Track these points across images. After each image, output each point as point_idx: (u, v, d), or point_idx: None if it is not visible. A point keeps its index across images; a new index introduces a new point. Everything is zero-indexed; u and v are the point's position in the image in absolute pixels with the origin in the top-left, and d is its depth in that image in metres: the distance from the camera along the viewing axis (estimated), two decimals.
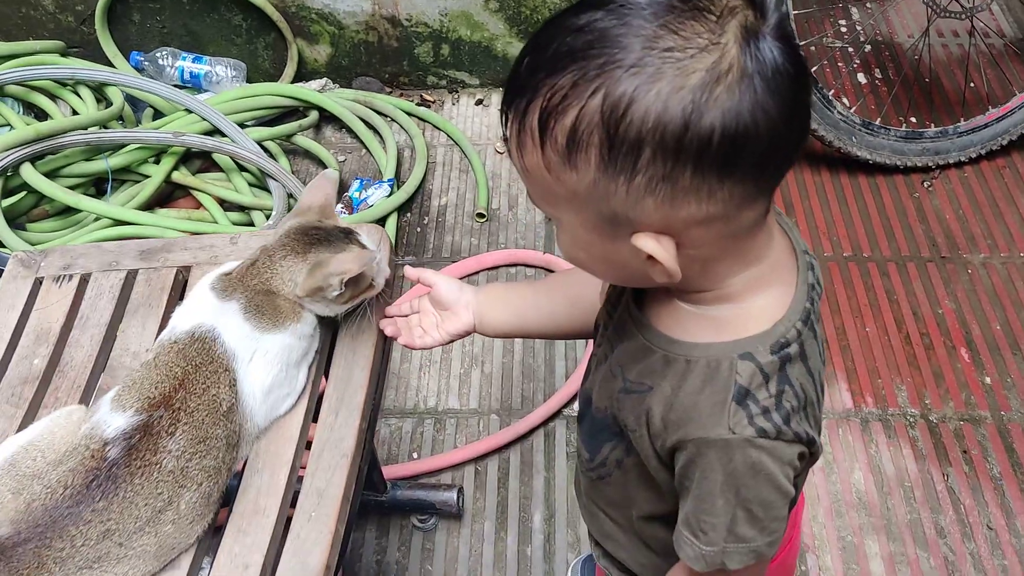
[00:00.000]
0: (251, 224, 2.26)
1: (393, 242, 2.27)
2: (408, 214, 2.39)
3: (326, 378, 1.17)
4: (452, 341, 1.13)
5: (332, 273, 1.06)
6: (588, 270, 0.80)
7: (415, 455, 1.88)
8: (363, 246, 1.11)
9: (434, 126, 2.61)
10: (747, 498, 0.77)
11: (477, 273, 2.21)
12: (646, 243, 0.69)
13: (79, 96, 2.38)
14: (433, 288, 1.12)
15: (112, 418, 0.99)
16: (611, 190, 0.67)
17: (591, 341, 1.00)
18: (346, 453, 1.07)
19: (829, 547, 1.69)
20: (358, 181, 2.40)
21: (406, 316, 1.17)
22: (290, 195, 2.23)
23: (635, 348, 0.83)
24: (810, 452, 0.79)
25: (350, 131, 2.57)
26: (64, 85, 2.39)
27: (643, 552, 1.02)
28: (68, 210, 2.23)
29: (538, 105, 0.67)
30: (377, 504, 1.74)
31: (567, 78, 0.65)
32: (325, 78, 2.69)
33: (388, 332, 1.15)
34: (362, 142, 2.54)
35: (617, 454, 0.93)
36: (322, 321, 1.17)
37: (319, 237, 1.10)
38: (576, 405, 1.84)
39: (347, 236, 1.11)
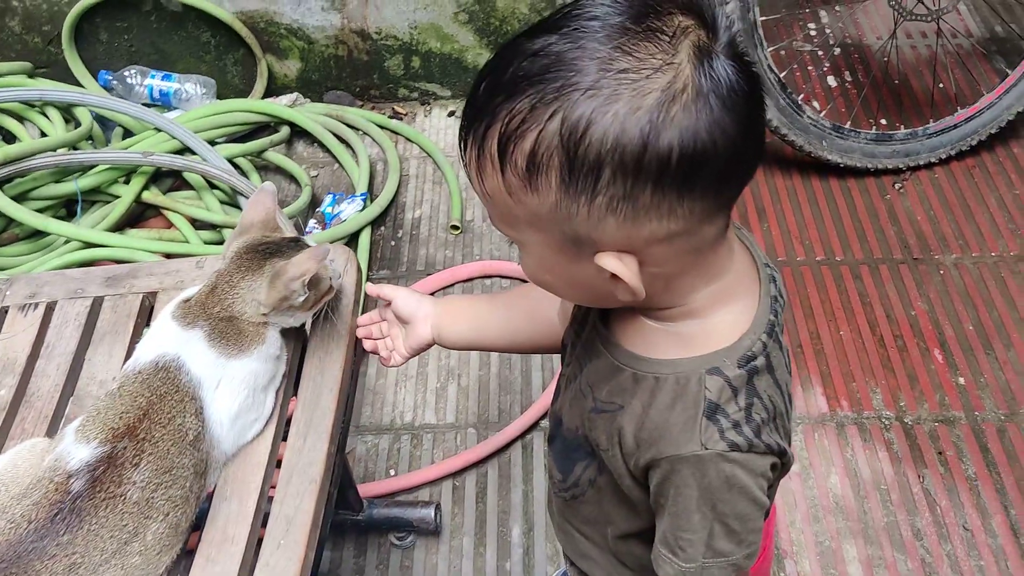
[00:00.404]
0: (222, 242, 2.25)
1: (368, 256, 2.27)
2: (382, 228, 2.39)
3: (295, 399, 1.17)
4: (415, 355, 1.13)
5: (292, 277, 1.05)
6: (554, 291, 0.81)
7: (392, 472, 1.87)
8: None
9: (406, 138, 2.61)
10: (723, 512, 0.77)
11: (452, 285, 2.21)
12: (609, 262, 0.70)
13: (47, 117, 2.36)
14: (392, 302, 1.12)
15: (76, 450, 0.98)
16: (573, 211, 0.68)
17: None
18: (314, 478, 1.06)
19: (807, 552, 1.70)
20: (331, 196, 2.40)
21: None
22: None
23: (604, 367, 0.83)
24: (782, 463, 0.80)
25: (322, 145, 2.56)
26: (32, 107, 2.37)
27: (620, 570, 1.01)
28: (38, 233, 2.21)
29: (497, 130, 0.67)
30: (354, 523, 1.73)
31: (525, 102, 0.65)
32: (296, 93, 2.68)
33: (367, 348, 1.15)
34: (334, 156, 2.53)
35: (590, 473, 0.93)
36: (288, 339, 1.16)
37: (270, 250, 1.09)
38: None
39: (296, 244, 1.11)
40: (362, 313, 1.20)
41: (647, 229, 0.68)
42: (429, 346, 1.12)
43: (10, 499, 0.97)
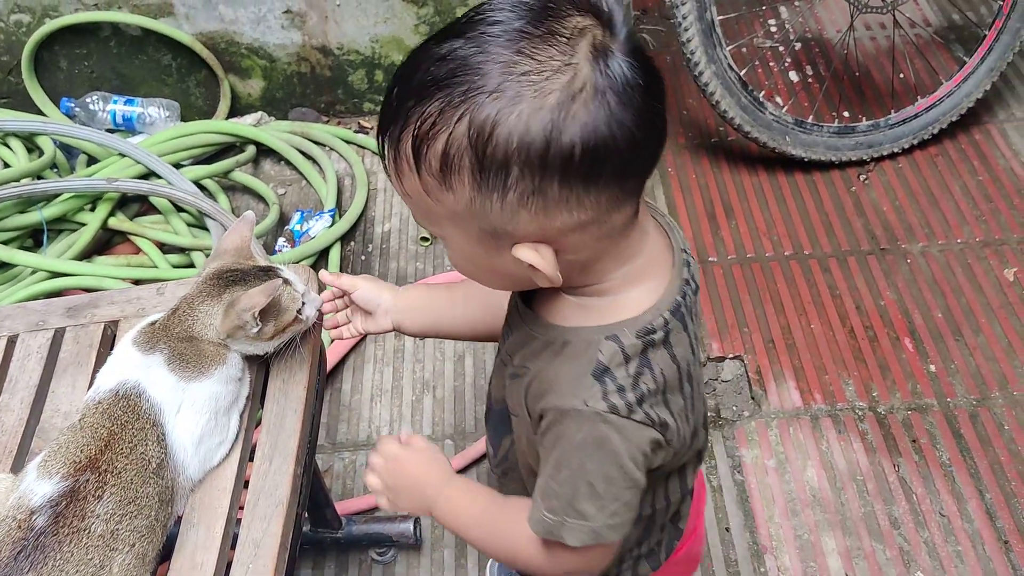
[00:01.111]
0: (192, 266, 2.24)
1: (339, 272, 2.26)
2: (352, 243, 2.38)
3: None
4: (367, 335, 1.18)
5: (243, 308, 1.06)
6: (479, 281, 0.85)
7: None
8: (284, 279, 1.10)
9: (373, 152, 2.61)
10: (590, 471, 0.81)
11: None
12: (525, 254, 0.74)
13: (9, 148, 2.35)
14: (355, 292, 1.14)
15: (38, 485, 0.98)
16: (487, 207, 0.72)
17: None
18: (281, 501, 1.06)
19: (786, 547, 1.70)
20: (299, 213, 2.39)
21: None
22: None
23: (520, 336, 0.88)
24: (666, 440, 0.82)
25: (288, 163, 2.56)
26: None
27: None
28: (3, 265, 2.19)
29: (410, 133, 0.71)
30: (333, 541, 1.73)
31: (434, 106, 0.69)
32: (260, 112, 2.68)
33: (327, 325, 1.19)
34: (301, 173, 2.53)
35: (513, 445, 0.97)
36: (252, 362, 1.16)
37: (235, 278, 1.10)
38: None
39: (266, 273, 1.11)
40: None
41: (559, 220, 0.72)
42: (385, 332, 1.16)
43: None
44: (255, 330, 1.08)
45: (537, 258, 0.74)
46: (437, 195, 0.73)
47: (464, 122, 0.68)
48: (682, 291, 0.83)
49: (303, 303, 1.13)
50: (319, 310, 1.16)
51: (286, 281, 1.12)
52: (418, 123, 0.70)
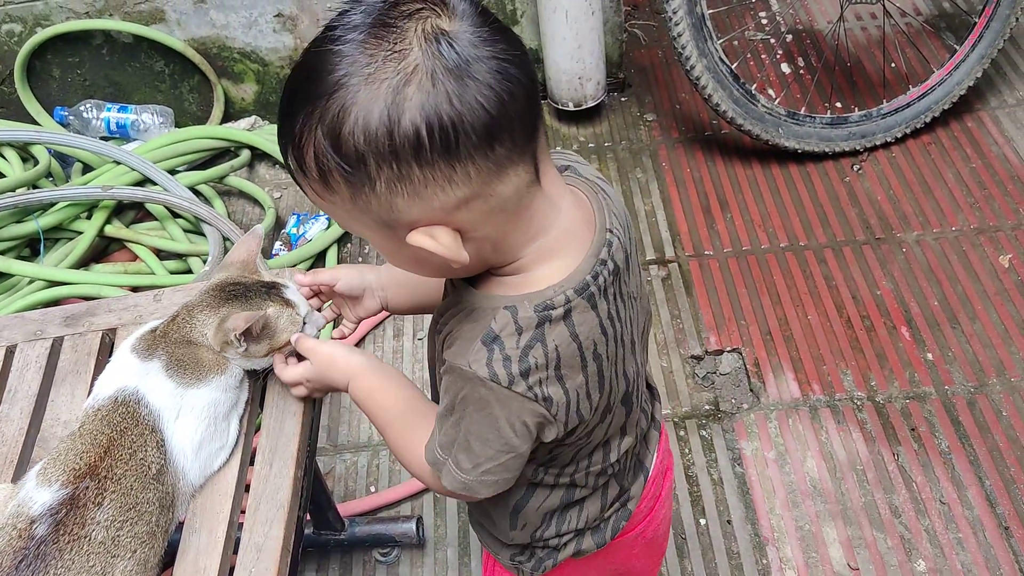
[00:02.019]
0: (189, 271, 2.25)
1: None
2: (348, 244, 2.39)
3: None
4: (361, 321, 1.19)
5: (228, 329, 1.06)
6: (411, 271, 0.86)
7: (372, 488, 1.87)
8: (285, 300, 1.10)
9: None
10: (468, 429, 0.84)
11: None
12: (417, 238, 0.75)
13: (4, 158, 2.35)
14: (336, 284, 1.15)
15: (38, 494, 0.98)
16: (366, 201, 0.74)
17: None
18: (282, 504, 1.07)
19: (788, 538, 1.71)
20: (295, 217, 2.40)
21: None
22: (226, 239, 2.22)
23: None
24: (552, 416, 0.83)
25: (283, 167, 2.55)
26: None
27: (478, 514, 1.08)
28: (1, 275, 2.20)
29: (290, 149, 0.75)
30: (337, 543, 1.73)
31: (300, 119, 0.73)
32: (254, 116, 2.68)
33: (327, 317, 1.18)
34: None
35: None
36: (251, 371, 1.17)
37: (236, 293, 1.10)
38: None
39: (268, 292, 1.11)
40: None
41: (437, 201, 0.73)
42: (380, 313, 1.17)
43: None
44: (241, 349, 1.09)
45: (430, 242, 0.75)
46: (329, 198, 0.76)
47: (320, 128, 0.71)
48: (594, 271, 0.82)
49: (304, 323, 1.12)
50: (319, 329, 1.16)
51: (287, 303, 1.11)
52: (293, 138, 0.74)
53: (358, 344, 2.12)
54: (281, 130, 0.76)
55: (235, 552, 1.06)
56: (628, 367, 0.91)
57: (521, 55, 0.75)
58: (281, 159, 2.41)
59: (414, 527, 1.73)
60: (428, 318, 2.12)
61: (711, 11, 2.23)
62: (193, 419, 1.08)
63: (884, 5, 2.44)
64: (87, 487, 0.98)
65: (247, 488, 1.11)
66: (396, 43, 0.70)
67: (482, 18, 0.73)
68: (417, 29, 0.70)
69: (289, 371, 1.10)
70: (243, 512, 1.10)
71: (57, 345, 1.30)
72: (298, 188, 2.40)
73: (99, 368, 1.25)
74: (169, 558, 1.06)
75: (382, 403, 1.03)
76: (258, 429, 1.16)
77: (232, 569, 1.04)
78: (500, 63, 0.72)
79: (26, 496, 0.98)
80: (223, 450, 1.12)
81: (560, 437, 0.86)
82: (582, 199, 0.87)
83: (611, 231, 0.85)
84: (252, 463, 1.14)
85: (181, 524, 1.08)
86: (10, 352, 1.30)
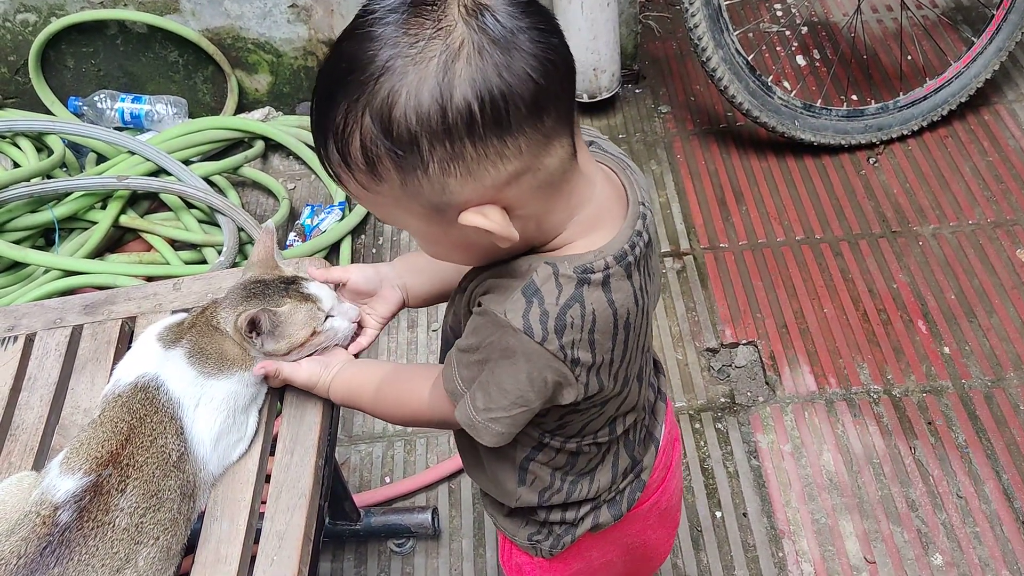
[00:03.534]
0: (203, 261, 2.25)
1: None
2: (362, 236, 2.39)
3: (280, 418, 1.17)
4: (387, 323, 1.18)
5: (237, 327, 1.07)
6: (453, 260, 0.87)
7: (387, 479, 1.87)
8: (304, 295, 1.10)
9: None
10: (491, 371, 0.84)
11: None
12: (470, 218, 0.75)
13: (19, 148, 2.35)
14: (349, 281, 1.15)
15: (61, 481, 0.98)
16: (417, 185, 0.74)
17: None
18: (304, 493, 1.07)
19: (804, 531, 1.70)
20: (309, 208, 2.39)
21: None
22: (240, 229, 2.22)
23: (482, 268, 0.89)
24: (575, 378, 0.83)
25: (297, 158, 2.56)
26: (3, 138, 2.36)
27: (478, 468, 1.06)
28: (17, 265, 2.20)
29: (332, 141, 0.75)
30: (352, 533, 1.73)
31: (341, 109, 0.72)
32: (267, 107, 2.68)
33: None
34: (310, 168, 2.53)
35: None
36: None
37: (257, 291, 1.11)
38: None
39: (286, 287, 1.11)
40: None
41: (489, 178, 0.73)
42: (399, 310, 1.17)
43: None
44: (257, 346, 1.09)
45: (484, 220, 0.75)
46: (375, 188, 0.75)
47: (367, 114, 0.71)
48: (632, 241, 0.83)
49: (327, 317, 1.12)
50: (352, 321, 1.15)
51: (306, 298, 1.11)
52: (335, 130, 0.73)
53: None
54: (319, 122, 0.76)
55: (256, 542, 1.06)
56: (646, 341, 0.93)
57: (556, 26, 0.75)
58: (294, 150, 2.38)
59: (429, 518, 1.73)
60: (443, 308, 2.13)
61: (727, 2, 2.22)
62: (212, 410, 1.08)
63: None
64: (110, 474, 0.98)
65: (267, 479, 1.12)
66: (440, 20, 0.70)
67: None
68: (458, 4, 0.70)
69: (274, 382, 1.14)
70: (264, 502, 1.10)
71: (77, 333, 1.30)
72: (312, 179, 2.38)
73: (119, 356, 1.25)
74: (190, 546, 1.06)
75: (364, 381, 1.07)
76: (279, 415, 1.16)
77: (253, 557, 1.04)
78: (541, 33, 0.73)
79: (50, 484, 0.99)
80: (241, 442, 1.12)
81: (577, 401, 0.86)
82: (611, 175, 0.88)
83: (643, 204, 0.87)
84: (272, 453, 1.14)
85: (202, 515, 1.08)
86: (30, 340, 1.30)
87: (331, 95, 0.73)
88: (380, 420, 1.96)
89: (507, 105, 0.70)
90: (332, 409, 1.18)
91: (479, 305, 0.85)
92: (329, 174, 0.78)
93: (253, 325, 1.08)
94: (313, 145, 2.47)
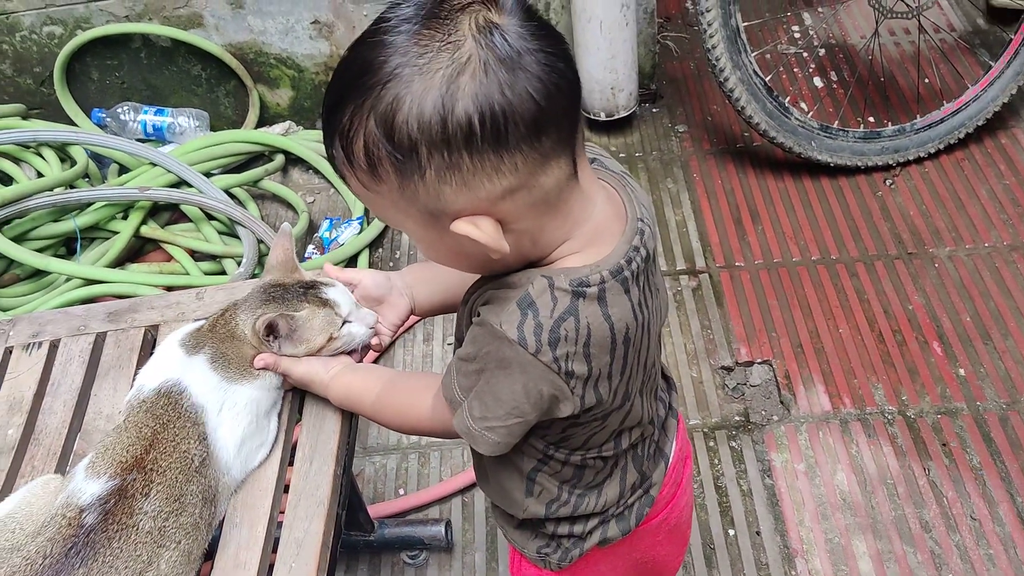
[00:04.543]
0: (223, 273, 2.27)
1: None
2: (380, 249, 2.40)
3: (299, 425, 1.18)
4: (397, 331, 1.21)
5: (254, 331, 1.09)
6: (450, 266, 0.88)
7: (401, 491, 1.88)
8: (322, 300, 1.11)
9: None
10: (487, 380, 0.85)
11: None
12: (461, 227, 0.77)
13: (43, 158, 2.38)
14: (359, 285, 1.17)
15: (87, 485, 1.00)
16: (414, 190, 0.76)
17: None
18: (322, 501, 1.08)
19: (817, 550, 1.70)
20: (327, 221, 2.42)
21: None
22: (260, 241, 2.24)
23: (485, 280, 0.91)
24: (571, 390, 0.84)
25: (317, 172, 2.59)
26: (27, 148, 2.39)
27: (486, 478, 1.07)
28: (39, 273, 2.23)
29: (338, 141, 0.77)
30: (366, 544, 1.74)
31: (348, 110, 0.75)
32: (288, 121, 2.71)
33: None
34: (329, 182, 2.56)
35: None
36: None
37: (276, 295, 1.12)
38: None
39: (304, 292, 1.12)
40: None
41: (483, 190, 0.75)
42: (408, 317, 1.19)
43: (25, 537, 0.98)
44: (274, 349, 1.11)
45: (474, 230, 0.77)
46: (375, 188, 0.78)
47: (372, 117, 0.73)
48: (628, 256, 0.84)
49: (344, 322, 1.14)
50: (369, 327, 1.16)
51: (324, 303, 1.12)
52: (341, 130, 0.76)
53: (387, 348, 2.13)
54: (328, 120, 0.78)
55: (273, 550, 1.07)
56: (649, 356, 0.93)
57: (566, 51, 0.77)
58: (314, 164, 2.41)
59: (443, 530, 1.74)
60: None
61: (745, 24, 2.23)
62: (235, 415, 1.10)
63: (919, 20, 2.44)
64: (134, 479, 1.00)
65: (286, 488, 1.13)
66: (450, 34, 0.72)
67: (528, 14, 0.75)
68: (470, 21, 0.72)
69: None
70: (282, 511, 1.11)
71: (100, 340, 1.32)
72: (331, 192, 2.41)
73: (141, 364, 1.27)
74: (208, 552, 1.07)
75: (364, 387, 1.10)
76: (298, 422, 1.18)
77: (272, 565, 1.05)
78: (548, 56, 0.74)
79: (75, 487, 1.00)
80: (263, 447, 1.14)
81: (576, 414, 0.87)
82: (613, 194, 0.89)
83: (642, 220, 0.88)
84: (291, 461, 1.16)
85: (221, 521, 1.10)
86: (54, 346, 1.32)
87: (340, 96, 0.76)
88: (396, 435, 1.98)
89: (506, 122, 0.72)
90: (351, 418, 1.19)
91: (478, 315, 0.86)
92: (336, 171, 0.81)
93: (271, 329, 1.09)
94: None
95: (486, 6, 0.73)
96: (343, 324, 1.13)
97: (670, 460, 1.10)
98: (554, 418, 0.88)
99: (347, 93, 0.75)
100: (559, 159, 0.78)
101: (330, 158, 0.80)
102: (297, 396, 1.20)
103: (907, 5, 2.38)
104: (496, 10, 0.74)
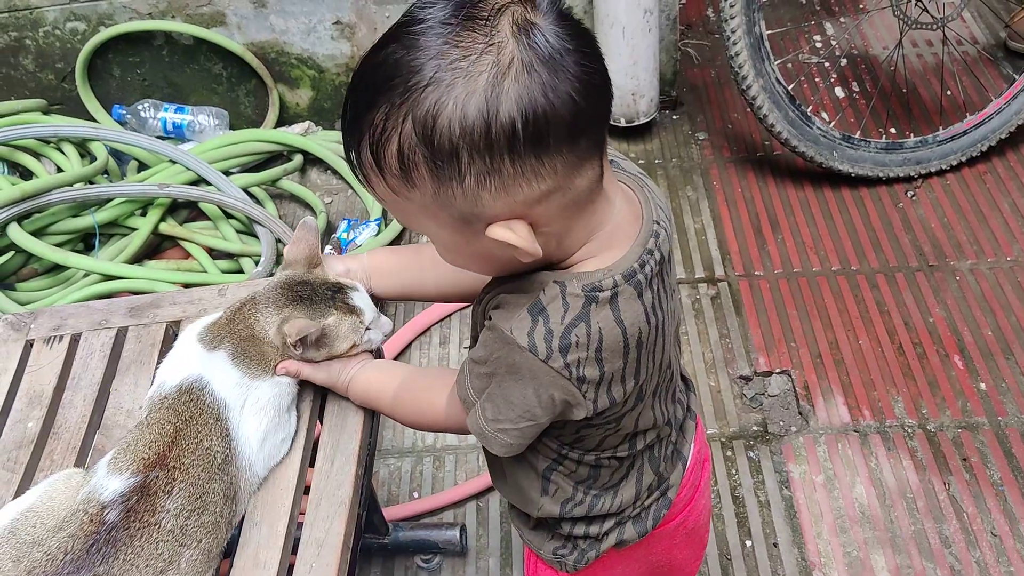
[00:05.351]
0: (240, 271, 2.27)
1: None
2: None
3: (320, 423, 1.17)
4: None
5: (284, 334, 1.08)
6: (469, 269, 0.88)
7: (416, 494, 1.87)
8: (349, 306, 1.11)
9: None
10: (498, 384, 0.86)
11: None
12: (498, 232, 0.76)
13: (63, 153, 2.39)
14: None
15: (109, 481, 0.99)
16: (450, 195, 0.74)
17: None
18: (344, 501, 1.07)
19: (835, 564, 1.69)
20: (345, 222, 2.41)
21: None
22: (278, 240, 2.24)
23: (497, 282, 0.91)
24: (583, 395, 0.84)
25: (335, 172, 2.58)
26: (47, 143, 2.40)
27: (502, 477, 1.07)
28: (57, 268, 2.23)
29: (367, 143, 0.75)
30: (380, 547, 1.73)
31: (380, 112, 0.73)
32: (308, 121, 2.71)
33: None
34: (347, 183, 2.55)
35: None
36: None
37: (303, 294, 1.10)
38: None
39: (332, 296, 1.11)
40: None
41: (521, 194, 0.74)
42: None
43: (46, 532, 0.97)
44: (297, 353, 1.10)
45: (511, 235, 0.76)
46: (405, 193, 0.76)
47: (409, 120, 0.72)
48: (641, 259, 0.84)
49: (367, 329, 1.13)
50: (386, 336, 1.17)
51: (351, 309, 1.11)
52: (371, 132, 0.74)
53: (403, 351, 2.12)
54: (355, 124, 0.76)
55: (294, 551, 1.06)
56: (664, 358, 0.93)
57: (599, 51, 0.77)
58: (333, 165, 2.40)
59: (458, 535, 1.73)
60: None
61: (768, 32, 2.22)
62: (258, 411, 1.09)
63: (944, 32, 2.42)
64: (157, 476, 0.99)
65: (306, 490, 1.12)
66: (492, 35, 0.71)
67: (562, 14, 0.75)
68: (509, 22, 0.71)
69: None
70: (302, 513, 1.10)
71: (121, 335, 1.32)
72: (349, 194, 2.40)
73: (162, 359, 1.26)
74: (227, 551, 1.07)
75: (383, 385, 1.10)
76: (320, 418, 1.17)
77: (291, 566, 1.04)
78: (585, 56, 0.74)
79: (97, 483, 1.00)
80: (286, 442, 1.13)
81: (589, 417, 0.87)
82: (630, 195, 0.89)
83: (658, 222, 0.88)
84: (312, 462, 1.15)
85: (241, 520, 1.09)
86: (75, 340, 1.32)
87: (371, 98, 0.73)
88: (411, 438, 1.97)
89: (548, 125, 0.71)
90: (373, 417, 1.19)
91: (489, 319, 0.86)
92: (357, 175, 0.80)
93: (303, 339, 1.08)
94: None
95: (524, 6, 0.72)
96: (365, 331, 1.13)
97: (688, 462, 1.10)
98: (567, 420, 0.88)
99: (378, 95, 0.73)
100: (592, 160, 0.78)
101: (353, 161, 0.79)
102: (319, 395, 1.19)
103: (932, 16, 2.37)
104: (532, 9, 0.73)
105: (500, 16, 0.71)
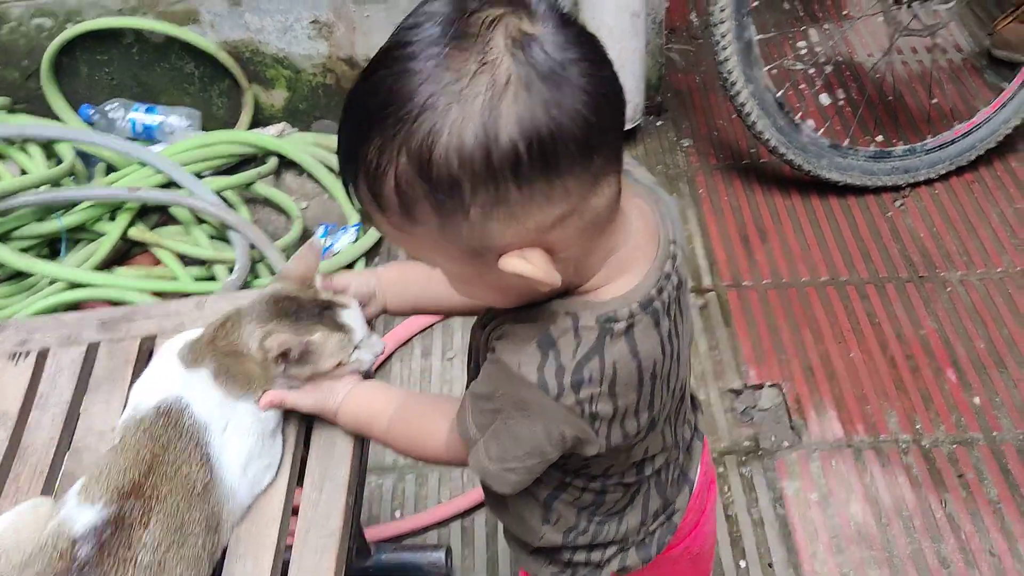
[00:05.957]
0: (212, 278, 2.18)
1: None
2: (376, 258, 2.33)
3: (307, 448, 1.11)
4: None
5: (266, 348, 1.01)
6: (486, 302, 0.83)
7: (398, 513, 1.81)
8: (338, 324, 1.04)
9: None
10: (504, 422, 0.80)
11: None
12: (511, 263, 0.71)
13: (27, 154, 2.29)
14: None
15: (80, 513, 0.92)
16: (457, 228, 0.69)
17: None
18: (333, 532, 1.00)
19: None
20: (322, 228, 2.34)
21: None
22: (252, 246, 2.16)
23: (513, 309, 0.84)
24: (595, 431, 0.79)
25: (311, 176, 2.50)
26: (12, 143, 2.30)
27: (502, 506, 1.01)
28: (20, 275, 2.14)
29: (363, 178, 0.69)
30: (362, 571, 1.66)
31: (374, 146, 0.67)
32: (283, 123, 2.63)
33: None
34: (324, 187, 2.48)
35: None
36: None
37: (289, 309, 1.04)
38: None
39: (320, 312, 1.04)
40: None
41: (533, 221, 0.69)
42: (377, 316, 1.15)
43: (11, 568, 0.90)
44: (279, 370, 1.03)
45: (525, 265, 0.70)
46: (408, 229, 0.71)
47: (404, 153, 0.66)
48: (659, 285, 0.79)
49: (356, 348, 1.07)
50: (376, 356, 1.10)
51: (339, 327, 1.05)
52: (366, 167, 0.68)
53: (384, 362, 2.05)
54: (350, 159, 0.70)
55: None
56: (678, 383, 0.88)
57: (606, 56, 0.70)
58: (308, 168, 2.34)
59: (443, 557, 1.66)
60: (459, 336, 2.07)
61: (758, 37, 2.18)
62: (241, 434, 1.02)
63: (932, 40, 2.40)
64: (132, 506, 0.92)
65: (294, 512, 1.06)
66: (485, 54, 0.64)
67: (563, 19, 0.68)
68: (503, 36, 0.65)
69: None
70: (289, 546, 1.03)
71: (92, 351, 1.24)
72: (326, 198, 2.33)
73: (136, 377, 1.19)
74: None
75: (374, 413, 1.03)
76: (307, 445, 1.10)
77: None
78: (591, 65, 0.68)
79: (67, 515, 0.92)
80: (270, 468, 1.06)
81: (601, 453, 0.82)
82: (645, 209, 0.83)
83: (674, 242, 0.83)
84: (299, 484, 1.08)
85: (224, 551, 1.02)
86: (42, 356, 1.24)
87: (364, 131, 0.68)
88: (392, 454, 1.90)
89: (555, 145, 0.65)
90: (363, 443, 1.12)
91: (493, 351, 0.81)
92: (356, 206, 0.73)
93: (285, 354, 1.02)
94: (336, 171, 2.47)
95: (518, 15, 0.66)
96: (354, 350, 1.07)
97: (695, 486, 1.05)
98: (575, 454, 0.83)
99: (371, 127, 0.67)
100: (609, 177, 0.72)
101: (350, 192, 0.73)
102: (305, 419, 1.12)
103: (921, 23, 2.34)
104: (529, 18, 0.66)
105: (493, 30, 0.65)
